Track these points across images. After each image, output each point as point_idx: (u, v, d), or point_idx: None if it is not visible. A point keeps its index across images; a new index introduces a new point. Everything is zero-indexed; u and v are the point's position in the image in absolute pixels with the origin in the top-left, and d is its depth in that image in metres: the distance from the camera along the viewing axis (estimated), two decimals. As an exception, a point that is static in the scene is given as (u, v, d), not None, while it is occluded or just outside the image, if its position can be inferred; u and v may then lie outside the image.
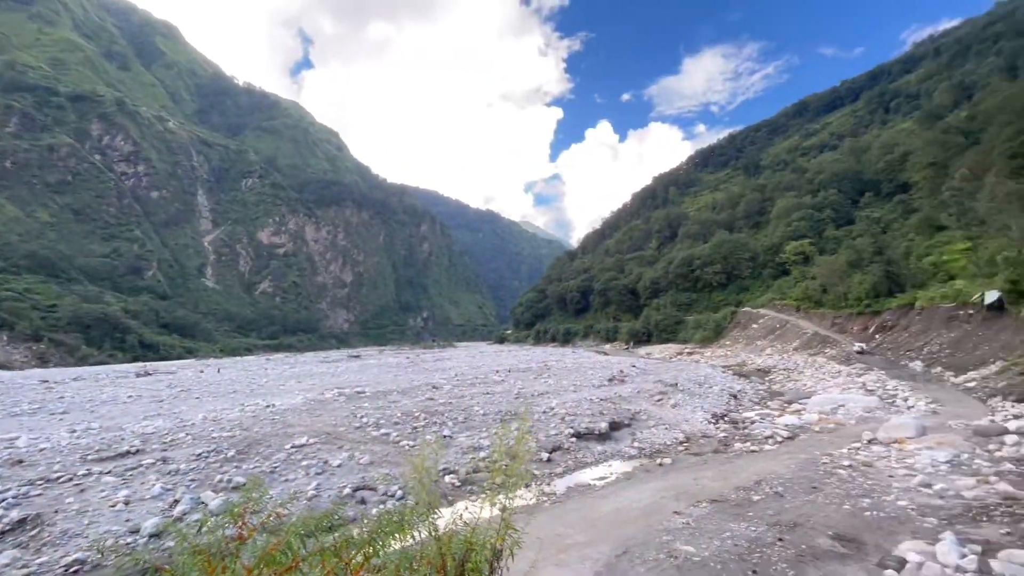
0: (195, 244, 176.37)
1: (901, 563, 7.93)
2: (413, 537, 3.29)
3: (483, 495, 3.69)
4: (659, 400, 25.94)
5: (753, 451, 16.36)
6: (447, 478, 14.03)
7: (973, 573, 7.44)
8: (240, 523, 2.95)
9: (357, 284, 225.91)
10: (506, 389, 31.29)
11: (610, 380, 34.62)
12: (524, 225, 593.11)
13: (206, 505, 11.84)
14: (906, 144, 74.31)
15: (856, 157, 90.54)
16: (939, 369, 29.24)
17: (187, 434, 19.01)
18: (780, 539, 9.10)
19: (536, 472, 14.50)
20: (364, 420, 21.18)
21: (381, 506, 12.04)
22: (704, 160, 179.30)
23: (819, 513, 10.27)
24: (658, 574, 8.09)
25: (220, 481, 13.69)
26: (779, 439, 17.63)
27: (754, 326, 66.22)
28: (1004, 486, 10.86)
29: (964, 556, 7.85)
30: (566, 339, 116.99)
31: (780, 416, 21.58)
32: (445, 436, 18.63)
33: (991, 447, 13.93)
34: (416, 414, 22.45)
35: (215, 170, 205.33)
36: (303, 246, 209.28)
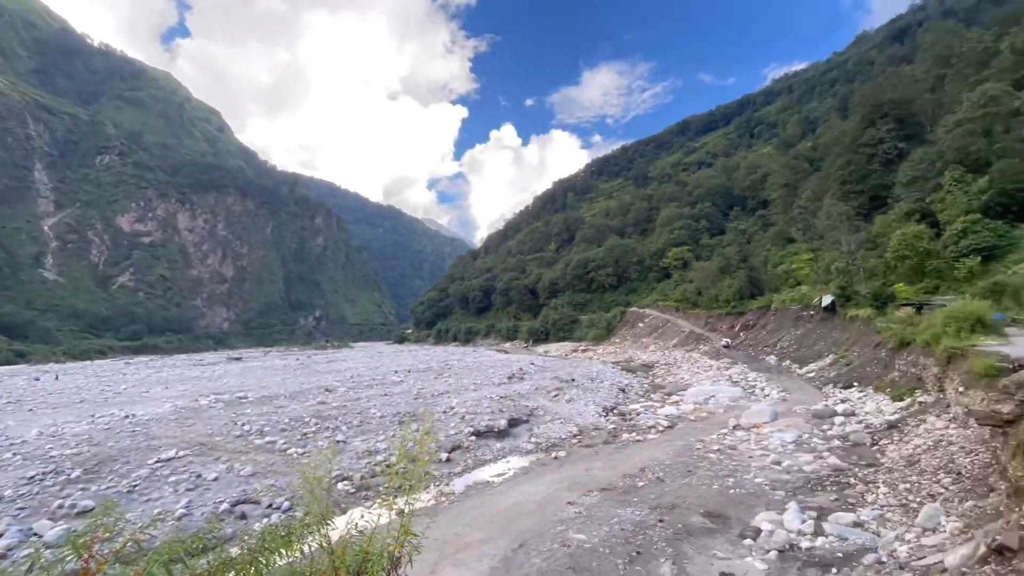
0: (30, 228, 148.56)
1: (757, 532, 9.08)
2: (302, 552, 3.06)
3: (380, 500, 3.56)
4: (555, 396, 27.01)
5: (638, 440, 17.68)
6: (341, 485, 13.34)
7: (810, 535, 8.76)
8: (86, 555, 2.53)
9: (239, 279, 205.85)
10: (405, 390, 30.55)
11: (510, 378, 35.33)
12: (427, 222, 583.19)
13: (40, 537, 10.05)
14: (766, 166, 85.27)
15: (727, 175, 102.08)
16: (788, 362, 33.92)
17: (15, 454, 16.02)
18: (660, 520, 9.94)
19: (435, 473, 14.33)
20: (246, 428, 19.41)
21: (265, 520, 11.12)
22: (599, 169, 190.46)
23: (693, 494, 11.40)
24: (552, 564, 8.41)
25: (60, 507, 11.73)
26: (661, 428, 19.26)
27: (640, 325, 71.67)
28: (833, 460, 12.90)
29: (804, 521, 9.21)
30: (467, 338, 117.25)
31: (662, 407, 23.58)
32: (339, 441, 17.71)
33: (825, 427, 16.47)
34: (306, 419, 21.06)
35: (59, 142, 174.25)
36: (174, 235, 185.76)
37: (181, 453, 15.65)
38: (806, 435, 15.50)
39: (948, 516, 8.29)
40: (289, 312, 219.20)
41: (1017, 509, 6.63)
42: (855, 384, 22.01)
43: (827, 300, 34.66)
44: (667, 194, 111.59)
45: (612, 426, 20.55)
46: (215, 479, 13.63)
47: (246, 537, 3.08)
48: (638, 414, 22.39)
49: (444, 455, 16.16)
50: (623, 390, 29.92)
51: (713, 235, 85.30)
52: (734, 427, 17.77)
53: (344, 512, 11.08)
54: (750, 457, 14.03)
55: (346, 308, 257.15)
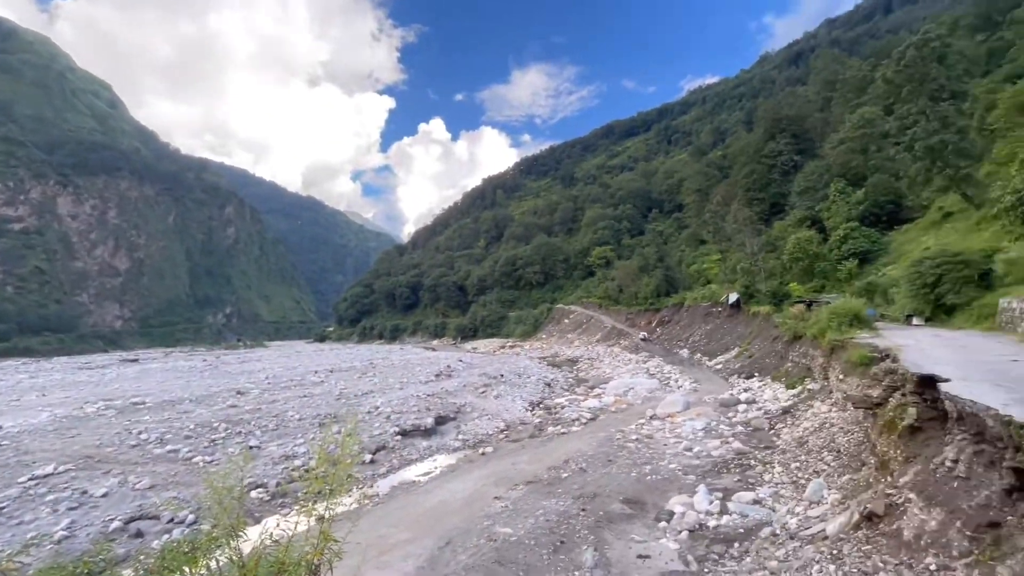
0: None
1: (671, 515, 9.70)
2: (209, 568, 2.84)
3: (298, 507, 3.38)
4: (483, 392, 27.12)
5: (563, 433, 18.22)
6: (254, 493, 12.53)
7: (717, 514, 9.50)
8: (-62, 592, 2.18)
9: (136, 273, 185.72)
10: (326, 390, 29.24)
11: (437, 375, 34.96)
12: (351, 215, 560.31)
13: None
14: (682, 172, 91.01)
15: (647, 179, 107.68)
16: (699, 355, 36.48)
17: None
18: (583, 509, 10.32)
19: (358, 475, 13.88)
20: (143, 437, 17.63)
21: (166, 537, 10.17)
22: (528, 168, 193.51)
23: (613, 482, 11.94)
24: (478, 559, 8.45)
25: (-98, 538, 9.99)
26: (584, 421, 19.98)
27: (566, 321, 73.78)
28: (737, 444, 14.07)
29: (712, 502, 9.97)
30: (394, 336, 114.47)
31: (585, 400, 24.46)
32: (252, 447, 16.60)
33: (730, 415, 17.91)
34: (215, 424, 19.52)
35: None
36: (54, 222, 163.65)
37: (62, 468, 13.90)
38: (714, 422, 16.77)
39: (830, 489, 9.34)
40: (195, 309, 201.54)
41: (883, 480, 7.61)
42: (756, 374, 24.13)
43: (733, 298, 37.65)
44: (592, 195, 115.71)
45: (538, 420, 21.00)
46: (104, 495, 12.25)
47: (142, 556, 2.81)
48: (563, 408, 23.05)
49: (368, 456, 15.68)
50: (549, 385, 30.66)
51: (634, 236, 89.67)
52: (651, 417, 18.82)
53: (258, 522, 10.42)
54: (665, 445, 14.94)
55: (260, 305, 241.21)
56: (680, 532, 8.94)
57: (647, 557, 8.14)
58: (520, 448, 16.53)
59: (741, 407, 18.54)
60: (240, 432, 18.51)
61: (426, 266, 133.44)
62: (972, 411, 5.58)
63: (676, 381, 27.72)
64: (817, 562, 6.62)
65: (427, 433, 19.07)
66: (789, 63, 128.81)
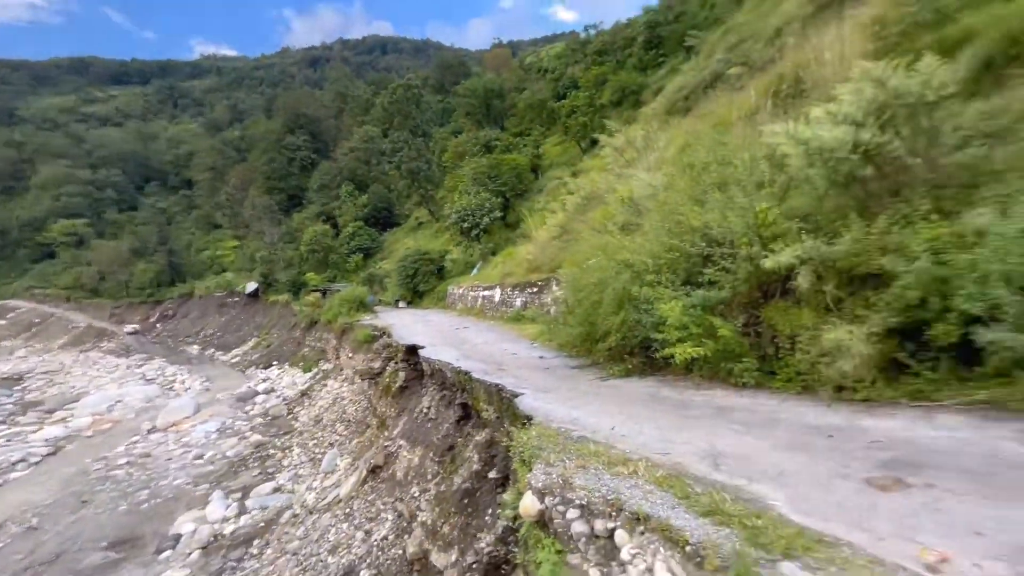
0: None
1: (177, 539, 8.30)
2: None
3: None
4: None
5: (-7, 487, 12.33)
6: None
7: (234, 517, 8.87)
8: None
9: None
10: None
11: None
12: None
13: None
14: (192, 145, 79.95)
15: (144, 143, 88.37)
16: (212, 350, 33.13)
17: None
18: (34, 583, 7.32)
19: None
20: None
21: None
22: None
23: (90, 528, 9.08)
24: None
25: None
26: (36, 459, 14.24)
27: (2, 322, 50.62)
28: (256, 437, 13.64)
29: (229, 506, 9.24)
30: None
31: (38, 431, 17.50)
32: None
33: (248, 408, 17.16)
34: None
35: None
36: None
37: None
38: (230, 420, 15.62)
39: (342, 456, 10.47)
40: None
41: (383, 436, 9.17)
42: (275, 362, 24.20)
43: (252, 287, 36.38)
44: (51, 146, 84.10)
45: (-65, 479, 13.33)
46: None
47: None
48: (-7, 449, 15.62)
49: None
50: (-39, 420, 20.05)
51: (123, 210, 71.71)
52: (149, 431, 15.59)
53: None
54: (168, 459, 12.69)
55: None
56: (190, 554, 7.80)
57: (144, 603, 6.64)
58: None
59: (260, 398, 18.12)
60: None
61: None
62: (439, 367, 7.51)
63: (183, 383, 24.13)
64: (333, 526, 7.26)
65: None
66: (308, 64, 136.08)
